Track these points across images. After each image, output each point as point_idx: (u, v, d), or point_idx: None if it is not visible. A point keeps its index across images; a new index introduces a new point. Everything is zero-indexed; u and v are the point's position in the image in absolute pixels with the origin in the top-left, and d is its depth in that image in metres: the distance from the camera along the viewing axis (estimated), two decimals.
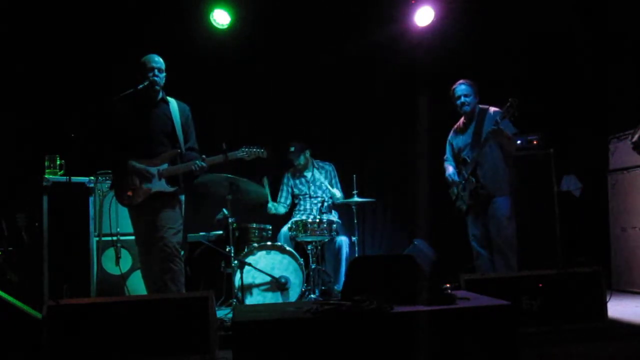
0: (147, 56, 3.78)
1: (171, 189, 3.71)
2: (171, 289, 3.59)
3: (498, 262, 4.16)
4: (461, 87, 4.27)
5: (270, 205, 5.18)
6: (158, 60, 3.76)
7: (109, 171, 4.60)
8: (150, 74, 3.70)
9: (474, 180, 4.20)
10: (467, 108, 4.28)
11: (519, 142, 4.78)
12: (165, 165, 3.70)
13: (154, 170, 3.68)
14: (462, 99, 4.26)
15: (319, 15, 5.50)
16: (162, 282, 3.62)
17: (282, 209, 5.28)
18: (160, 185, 3.68)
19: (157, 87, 3.77)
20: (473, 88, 4.28)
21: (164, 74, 3.79)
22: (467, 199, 4.27)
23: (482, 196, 4.20)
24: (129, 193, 3.68)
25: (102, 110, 3.89)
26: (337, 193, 5.16)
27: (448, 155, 4.57)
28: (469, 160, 4.25)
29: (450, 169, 4.48)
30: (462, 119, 4.44)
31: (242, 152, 3.92)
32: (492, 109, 4.29)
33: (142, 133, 3.72)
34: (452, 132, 4.55)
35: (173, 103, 3.85)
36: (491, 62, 5.43)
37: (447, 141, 4.58)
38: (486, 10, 5.51)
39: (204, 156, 3.78)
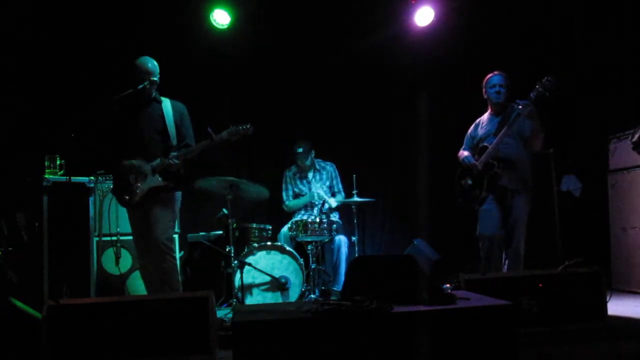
0: (143, 60, 3.82)
1: (164, 183, 3.74)
2: (165, 286, 3.65)
3: (512, 260, 4.10)
4: (498, 77, 4.25)
5: (287, 205, 5.24)
6: (152, 67, 3.80)
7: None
8: (146, 78, 3.75)
9: (495, 164, 4.10)
10: (501, 97, 4.22)
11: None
12: (158, 161, 3.74)
13: (147, 167, 3.72)
14: (498, 87, 4.22)
15: (319, 15, 5.50)
16: (157, 279, 3.70)
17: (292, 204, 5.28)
18: (154, 181, 3.72)
19: (150, 89, 3.82)
20: (507, 80, 4.26)
21: (157, 77, 3.83)
22: (485, 186, 4.14)
23: (500, 186, 4.10)
24: (127, 195, 3.75)
25: (102, 110, 3.91)
26: (333, 203, 5.04)
27: (466, 147, 4.46)
28: (489, 147, 4.14)
29: (465, 153, 4.35)
30: (486, 114, 4.38)
31: (227, 133, 3.81)
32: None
33: (135, 131, 3.79)
34: (473, 126, 4.47)
35: (166, 102, 3.89)
36: (491, 62, 5.41)
37: (468, 134, 4.48)
38: (486, 10, 5.51)
39: (175, 153, 3.73)
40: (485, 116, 4.39)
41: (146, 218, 3.73)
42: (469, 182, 4.28)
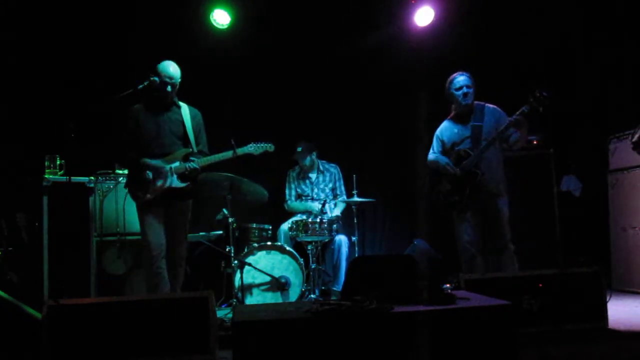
0: (165, 64, 3.90)
1: (182, 185, 3.88)
2: (175, 289, 3.84)
3: (507, 261, 4.03)
4: (463, 78, 4.11)
5: (288, 205, 5.27)
6: (173, 71, 3.89)
7: (109, 171, 4.65)
8: (167, 82, 3.87)
9: (479, 172, 4.01)
10: (469, 99, 4.11)
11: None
12: (177, 163, 3.87)
13: (167, 167, 3.84)
14: (465, 89, 4.08)
15: (319, 15, 5.49)
16: (177, 281, 3.91)
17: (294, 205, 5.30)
18: (172, 182, 3.84)
19: (169, 95, 3.91)
20: (473, 80, 4.13)
21: (177, 84, 3.93)
22: (468, 194, 4.04)
23: (484, 192, 4.04)
24: (142, 191, 3.83)
25: (102, 109, 3.97)
26: (337, 212, 5.10)
27: (436, 150, 4.31)
28: (471, 153, 4.04)
29: (444, 159, 4.19)
30: (453, 113, 4.27)
31: (251, 147, 4.06)
32: (489, 105, 4.19)
33: (155, 134, 3.90)
34: (440, 128, 4.33)
35: (185, 108, 4.03)
36: (491, 63, 5.42)
37: (435, 137, 4.35)
38: (486, 11, 5.51)
39: (194, 158, 3.90)
40: (453, 117, 4.27)
41: (170, 224, 3.89)
42: (448, 187, 4.17)
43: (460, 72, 4.16)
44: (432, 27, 5.58)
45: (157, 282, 3.81)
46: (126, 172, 4.62)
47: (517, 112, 3.89)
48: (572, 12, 5.51)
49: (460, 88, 4.11)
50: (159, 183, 3.81)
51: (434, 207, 4.30)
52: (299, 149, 5.12)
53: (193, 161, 3.86)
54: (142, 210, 3.89)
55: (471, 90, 4.11)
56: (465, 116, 4.18)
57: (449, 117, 4.33)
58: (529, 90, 3.87)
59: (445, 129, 4.30)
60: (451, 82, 4.16)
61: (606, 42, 5.45)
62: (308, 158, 5.16)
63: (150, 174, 3.81)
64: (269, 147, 4.13)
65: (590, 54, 5.58)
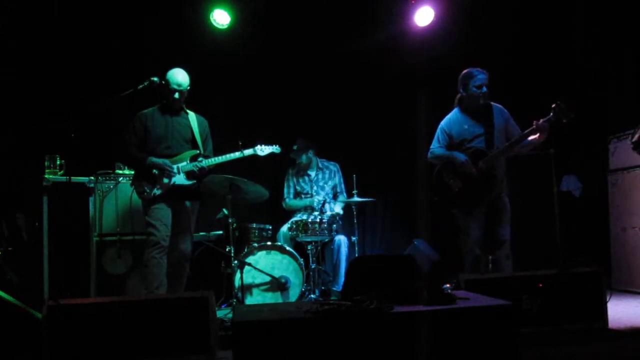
0: (174, 72, 4.02)
1: (189, 183, 4.03)
2: (178, 289, 3.96)
3: (504, 261, 3.99)
4: (483, 76, 4.05)
5: (286, 203, 5.29)
6: (182, 78, 4.02)
7: (109, 171, 4.66)
8: (175, 89, 4.01)
9: (497, 176, 3.98)
10: (486, 98, 4.06)
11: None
12: (185, 163, 4.03)
13: (174, 166, 3.98)
14: (485, 88, 4.04)
15: (319, 15, 5.49)
16: (179, 281, 4.01)
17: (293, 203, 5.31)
18: (179, 180, 4.00)
19: (177, 101, 4.05)
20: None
21: (185, 91, 4.07)
22: (481, 194, 3.98)
23: (494, 191, 4.00)
24: (148, 188, 3.94)
25: (102, 109, 4.01)
26: (338, 209, 5.13)
27: (442, 143, 4.20)
28: (487, 152, 3.97)
29: (462, 155, 4.04)
30: (460, 107, 4.20)
31: (258, 149, 4.24)
32: (496, 104, 4.17)
33: (164, 136, 4.03)
34: (447, 121, 4.23)
35: (192, 115, 4.18)
36: (491, 62, 5.40)
37: (441, 130, 4.22)
38: (486, 10, 5.50)
39: (202, 159, 4.06)
40: (462, 111, 4.18)
41: (178, 225, 4.01)
42: (459, 184, 4.08)
43: (479, 70, 4.09)
44: (432, 27, 5.57)
45: (152, 267, 3.83)
46: (127, 172, 4.64)
47: (544, 119, 3.83)
48: (572, 12, 5.51)
49: (481, 86, 4.05)
50: (166, 180, 3.94)
51: (439, 203, 4.23)
52: (295, 147, 5.14)
53: (201, 161, 4.00)
54: (149, 207, 3.94)
55: (487, 90, 4.08)
56: (477, 113, 4.12)
57: (458, 111, 4.22)
58: (556, 101, 3.83)
59: (454, 123, 4.19)
60: (472, 78, 4.07)
61: (606, 42, 5.45)
62: (304, 156, 5.17)
63: (157, 171, 3.94)
64: (276, 148, 4.32)
65: (590, 54, 5.58)
